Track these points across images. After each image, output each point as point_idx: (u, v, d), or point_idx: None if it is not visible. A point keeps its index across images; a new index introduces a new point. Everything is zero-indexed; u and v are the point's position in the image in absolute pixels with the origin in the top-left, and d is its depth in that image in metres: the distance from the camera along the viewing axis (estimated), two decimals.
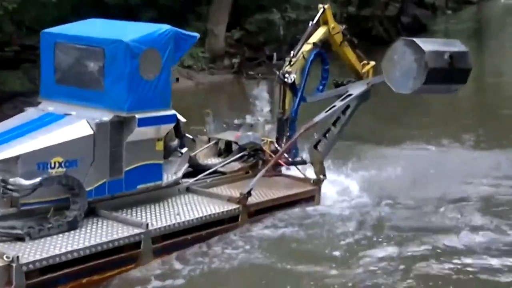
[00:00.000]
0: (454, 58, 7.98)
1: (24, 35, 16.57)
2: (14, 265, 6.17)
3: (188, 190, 8.66)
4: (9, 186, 6.79)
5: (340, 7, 27.10)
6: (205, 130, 10.16)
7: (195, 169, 9.08)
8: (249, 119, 10.53)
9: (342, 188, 9.70)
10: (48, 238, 6.84)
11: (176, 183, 8.49)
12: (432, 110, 16.02)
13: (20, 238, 6.73)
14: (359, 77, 10.70)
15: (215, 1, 20.91)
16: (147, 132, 7.78)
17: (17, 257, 6.21)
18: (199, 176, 8.96)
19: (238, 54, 21.23)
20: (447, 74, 8.00)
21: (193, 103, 14.69)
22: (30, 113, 7.83)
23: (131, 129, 7.61)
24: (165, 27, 7.89)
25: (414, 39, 8.09)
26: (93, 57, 7.64)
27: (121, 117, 7.55)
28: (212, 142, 10.03)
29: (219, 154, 10.04)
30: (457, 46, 8.30)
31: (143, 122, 7.64)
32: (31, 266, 6.32)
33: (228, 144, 10.12)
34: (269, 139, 9.92)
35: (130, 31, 7.79)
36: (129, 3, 18.26)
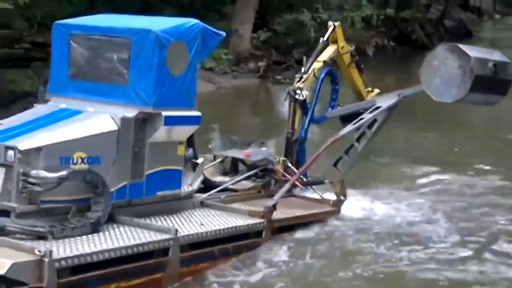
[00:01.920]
0: (498, 67, 8.35)
1: (35, 32, 16.73)
2: (46, 260, 6.09)
3: (202, 204, 8.73)
4: (31, 179, 6.74)
5: (378, 9, 27.27)
6: (210, 146, 10.27)
7: (205, 185, 9.16)
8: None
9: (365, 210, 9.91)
10: (72, 239, 6.81)
11: (191, 195, 8.56)
12: (469, 124, 16.16)
13: (42, 237, 6.67)
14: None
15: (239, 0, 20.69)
16: (172, 132, 7.82)
17: (50, 251, 6.16)
18: (212, 192, 9.04)
19: (264, 57, 21.05)
20: (490, 83, 8.34)
21: (213, 109, 14.48)
22: (41, 109, 7.81)
23: (156, 127, 7.64)
24: (193, 20, 8.03)
25: (458, 44, 8.47)
26: (117, 48, 7.69)
27: (146, 113, 7.60)
28: (218, 160, 10.15)
29: (225, 173, 10.16)
30: (498, 55, 8.71)
31: (169, 121, 7.69)
32: (63, 263, 6.22)
33: (235, 162, 10.26)
34: (281, 158, 10.11)
35: (156, 22, 7.92)
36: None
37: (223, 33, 8.47)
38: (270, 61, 21.23)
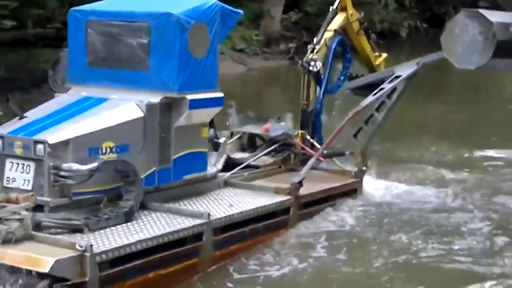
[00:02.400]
0: None
1: (66, 11, 16.93)
2: (88, 255, 6.11)
3: (226, 183, 8.75)
4: (63, 173, 6.74)
5: None
6: (227, 123, 10.26)
7: (226, 163, 9.16)
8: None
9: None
10: (107, 230, 6.83)
11: (215, 176, 8.58)
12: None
13: (78, 230, 6.69)
14: (372, 68, 11.05)
15: None
16: (197, 115, 7.80)
17: (91, 246, 6.18)
18: (235, 170, 9.05)
19: (294, 38, 20.84)
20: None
21: (243, 90, 14.29)
22: (63, 98, 7.77)
23: (181, 111, 7.64)
24: (211, 1, 7.99)
25: (479, 10, 8.42)
26: (136, 34, 7.63)
27: (170, 98, 7.58)
28: (236, 137, 10.15)
29: (243, 149, 10.17)
30: None
31: (194, 104, 7.67)
32: (103, 256, 6.25)
33: (252, 138, 10.27)
34: (300, 131, 10.11)
35: (174, 4, 7.83)
36: None
37: (241, 12, 8.41)
38: (300, 43, 21.03)
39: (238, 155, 9.73)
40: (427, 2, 28.02)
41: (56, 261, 5.92)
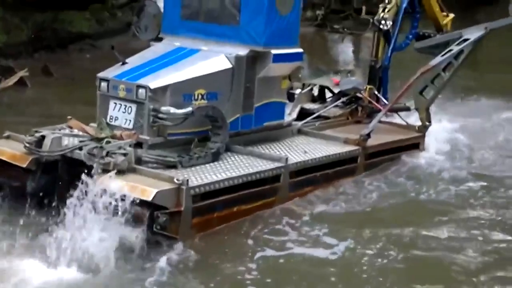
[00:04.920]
0: None
1: None
2: (184, 188, 7.06)
3: (299, 132, 9.61)
4: (161, 115, 7.68)
5: None
6: (299, 75, 11.05)
7: (299, 112, 10.00)
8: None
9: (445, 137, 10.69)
10: (197, 168, 7.76)
11: (290, 124, 9.45)
12: None
13: (172, 166, 7.64)
14: (439, 28, 11.67)
15: None
16: (279, 68, 8.66)
17: (187, 180, 7.11)
18: (307, 119, 9.92)
19: (322, 5, 20.90)
20: None
21: None
22: (160, 47, 8.64)
23: (265, 64, 8.48)
24: None
25: None
26: None
27: (256, 52, 8.44)
28: (307, 88, 10.95)
29: (313, 100, 10.98)
30: None
31: (277, 58, 8.50)
32: (197, 190, 7.20)
33: (322, 90, 11.08)
34: (368, 86, 10.88)
35: None
36: None
37: None
38: (328, 10, 21.15)
39: (309, 106, 10.54)
40: None
41: (158, 192, 6.86)
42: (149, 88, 7.68)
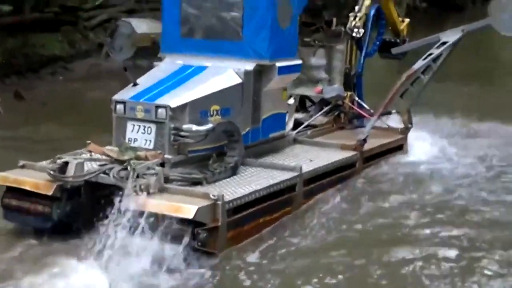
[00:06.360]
0: None
1: None
2: (220, 203, 7.19)
3: (295, 141, 9.85)
4: (183, 133, 7.78)
5: None
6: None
7: None
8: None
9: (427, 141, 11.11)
10: (220, 183, 7.89)
11: (288, 134, 9.68)
12: None
13: (198, 182, 7.75)
14: (397, 34, 12.16)
15: None
16: (282, 80, 8.88)
17: (222, 195, 7.24)
18: (300, 128, 10.17)
19: None
20: None
21: None
22: (165, 67, 8.71)
23: (270, 77, 8.69)
24: None
25: None
26: (230, 8, 8.61)
27: (262, 65, 8.63)
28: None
29: (296, 109, 11.22)
30: None
31: (281, 71, 8.72)
32: (230, 204, 7.35)
33: (302, 99, 11.34)
34: (349, 92, 11.19)
35: None
36: None
37: None
38: (298, 23, 21.46)
39: (296, 115, 10.77)
40: None
41: (198, 209, 6.97)
42: (170, 108, 7.78)
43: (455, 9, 24.32)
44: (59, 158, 7.74)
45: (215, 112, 8.14)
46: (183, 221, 7.00)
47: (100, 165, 7.74)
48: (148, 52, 9.32)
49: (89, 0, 17.95)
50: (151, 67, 8.90)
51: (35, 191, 7.68)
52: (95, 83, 15.20)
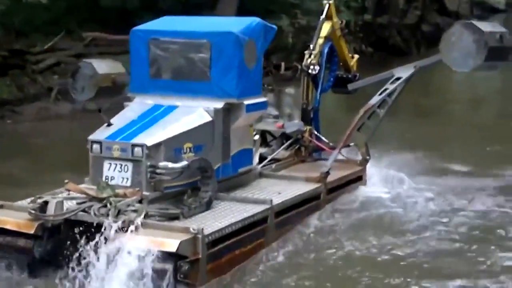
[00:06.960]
0: (503, 38, 10.09)
1: (13, 39, 16.92)
2: (200, 236, 7.48)
3: (261, 175, 10.20)
4: (159, 170, 8.07)
5: (355, 15, 27.38)
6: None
7: None
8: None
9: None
10: (196, 217, 8.19)
11: (255, 168, 10.04)
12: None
13: (175, 217, 8.03)
14: (348, 69, 12.70)
15: (219, 5, 21.38)
16: (250, 117, 9.26)
17: (202, 229, 7.53)
18: (264, 163, 10.54)
19: None
20: (497, 52, 10.08)
21: None
22: (136, 107, 9.01)
23: (239, 115, 9.05)
24: (256, 19, 9.36)
25: (472, 21, 10.13)
26: (198, 50, 8.97)
27: (230, 104, 8.99)
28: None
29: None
30: (498, 26, 10.43)
31: (249, 108, 9.11)
32: (210, 237, 7.65)
33: (263, 134, 11.72)
34: (308, 127, 11.63)
35: (228, 23, 9.25)
36: (125, 6, 18.58)
37: (276, 27, 9.83)
38: None
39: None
40: (371, 26, 28.25)
41: (181, 242, 7.25)
42: (146, 146, 8.07)
43: (400, 54, 24.92)
44: (39, 197, 7.95)
45: (188, 150, 8.46)
46: (165, 255, 7.26)
47: (79, 203, 7.96)
48: (109, 92, 9.61)
49: (38, 43, 18.03)
50: (113, 107, 9.18)
51: (18, 230, 7.86)
52: (44, 126, 15.44)
